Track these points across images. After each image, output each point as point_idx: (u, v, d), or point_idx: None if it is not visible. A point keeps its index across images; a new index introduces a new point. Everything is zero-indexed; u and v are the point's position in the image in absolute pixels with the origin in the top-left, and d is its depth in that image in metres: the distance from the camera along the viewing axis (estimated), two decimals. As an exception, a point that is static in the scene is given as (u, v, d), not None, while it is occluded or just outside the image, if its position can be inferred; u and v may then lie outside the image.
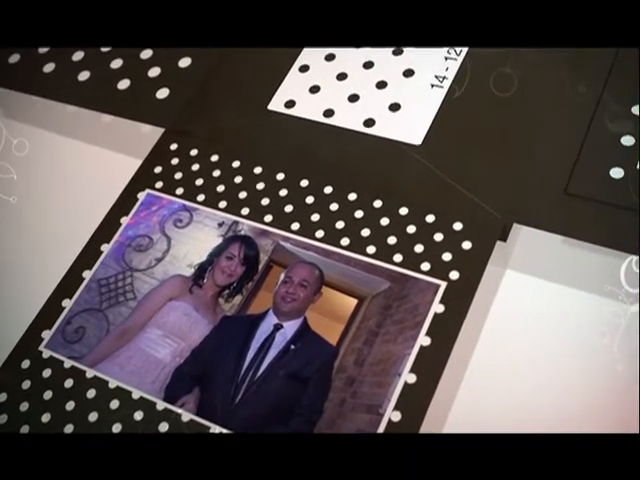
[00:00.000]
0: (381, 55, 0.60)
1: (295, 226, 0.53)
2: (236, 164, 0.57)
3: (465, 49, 0.58)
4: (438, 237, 0.50)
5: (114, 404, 0.49)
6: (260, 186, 0.56)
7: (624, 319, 0.46)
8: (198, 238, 0.55)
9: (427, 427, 0.44)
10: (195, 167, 0.58)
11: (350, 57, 0.60)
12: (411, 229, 0.51)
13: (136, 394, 0.49)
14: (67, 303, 0.54)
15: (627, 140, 0.51)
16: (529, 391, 0.47)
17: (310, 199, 0.54)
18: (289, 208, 0.54)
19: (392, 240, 0.51)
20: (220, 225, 0.55)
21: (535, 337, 0.49)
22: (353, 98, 0.58)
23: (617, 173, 0.50)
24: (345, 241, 0.52)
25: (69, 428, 0.48)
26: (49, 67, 0.67)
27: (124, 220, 0.57)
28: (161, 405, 0.48)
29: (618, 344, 0.46)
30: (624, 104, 0.52)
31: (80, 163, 0.66)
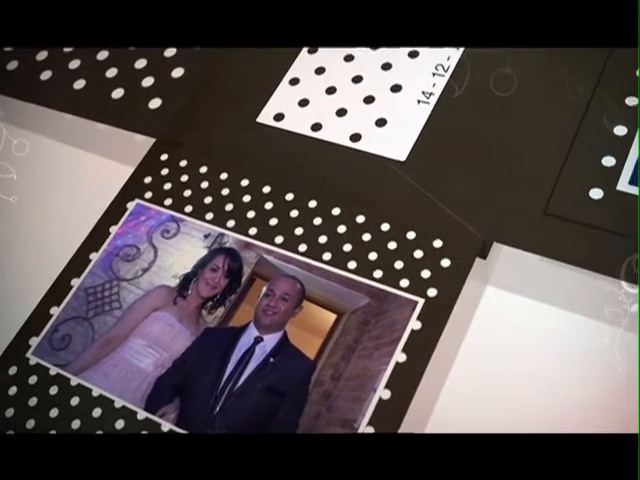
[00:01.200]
0: (370, 69, 0.60)
1: (279, 239, 0.54)
2: (224, 176, 0.58)
3: (453, 66, 0.58)
4: (418, 254, 0.51)
5: (96, 412, 0.50)
6: (246, 199, 0.56)
7: (624, 319, 0.47)
8: (184, 249, 0.55)
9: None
10: (184, 178, 0.59)
11: (340, 70, 0.61)
12: (392, 245, 0.52)
13: (118, 403, 0.50)
14: (55, 311, 0.55)
15: (607, 161, 0.51)
16: (523, 395, 0.48)
17: (294, 213, 0.55)
18: (274, 221, 0.55)
19: (373, 256, 0.52)
20: (206, 237, 0.55)
21: (535, 339, 0.50)
22: (341, 112, 0.59)
23: (596, 194, 0.50)
24: (327, 256, 0.52)
25: (52, 435, 0.50)
26: (46, 75, 0.68)
27: (113, 229, 0.58)
28: (142, 415, 0.49)
29: (618, 345, 0.47)
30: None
31: (76, 169, 0.67)
